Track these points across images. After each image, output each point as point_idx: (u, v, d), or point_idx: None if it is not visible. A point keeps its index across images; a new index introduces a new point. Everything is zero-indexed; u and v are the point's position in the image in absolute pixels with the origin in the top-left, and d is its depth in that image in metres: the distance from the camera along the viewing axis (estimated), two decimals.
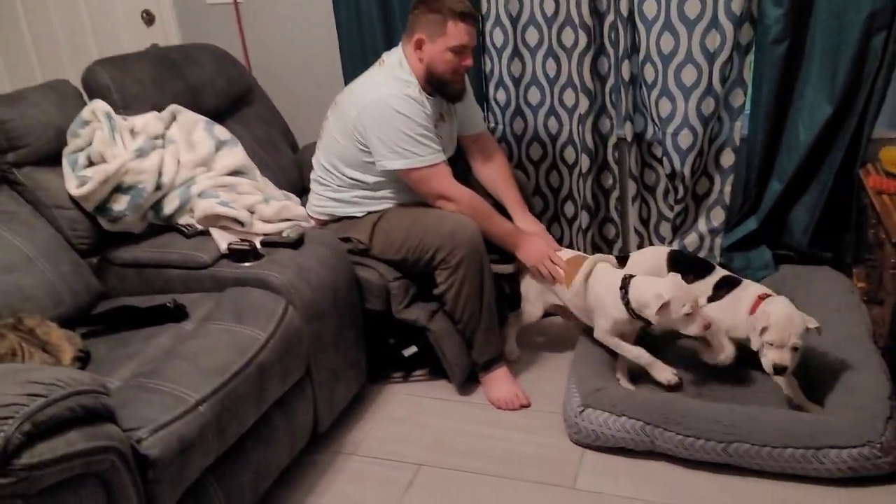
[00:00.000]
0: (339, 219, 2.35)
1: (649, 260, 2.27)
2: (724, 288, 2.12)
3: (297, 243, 2.06)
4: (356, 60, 2.80)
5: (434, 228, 2.18)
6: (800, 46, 2.35)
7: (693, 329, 1.99)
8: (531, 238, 2.31)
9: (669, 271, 2.15)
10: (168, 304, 1.85)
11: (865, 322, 2.17)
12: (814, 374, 2.05)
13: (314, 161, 2.43)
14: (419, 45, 2.19)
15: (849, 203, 2.46)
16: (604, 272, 2.18)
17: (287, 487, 1.98)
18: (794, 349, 1.88)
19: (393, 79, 2.20)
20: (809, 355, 2.10)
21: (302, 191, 2.68)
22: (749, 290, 2.08)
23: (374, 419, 2.25)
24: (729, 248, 2.64)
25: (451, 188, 2.21)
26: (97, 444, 1.31)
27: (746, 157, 2.56)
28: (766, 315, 1.91)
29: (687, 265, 2.20)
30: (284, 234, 2.10)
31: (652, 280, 2.06)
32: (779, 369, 1.89)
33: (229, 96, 2.71)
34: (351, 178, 2.28)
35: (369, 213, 2.31)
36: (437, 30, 2.16)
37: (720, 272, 2.18)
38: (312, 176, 2.43)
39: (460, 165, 2.48)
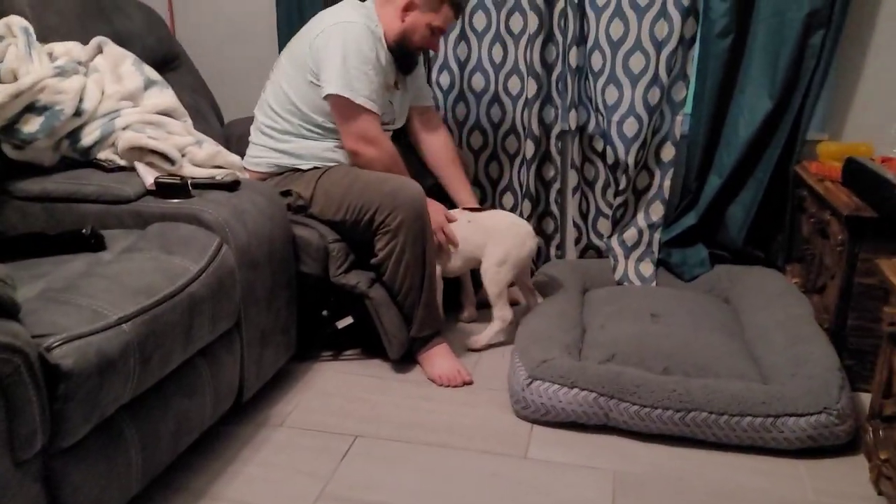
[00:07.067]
0: (282, 172, 2.19)
1: None
2: None
3: (232, 186, 1.87)
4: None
5: (375, 186, 2.05)
6: (742, 42, 2.41)
7: None
8: (433, 203, 2.23)
9: None
10: (84, 231, 1.60)
11: (808, 306, 2.18)
12: (761, 352, 2.02)
13: (257, 112, 2.29)
14: (409, 7, 2.14)
15: (783, 203, 2.51)
16: None
17: (206, 457, 1.75)
18: None
19: (361, 12, 2.14)
20: (757, 333, 2.09)
21: None
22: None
23: (303, 393, 2.05)
24: (667, 244, 2.63)
25: (377, 131, 2.12)
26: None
27: (687, 152, 2.59)
28: None
29: None
30: (218, 179, 1.90)
31: None
32: None
33: (157, 56, 2.49)
34: (300, 121, 2.16)
35: (315, 167, 2.16)
36: (433, 4, 2.15)
37: None
38: (253, 128, 2.28)
39: (403, 141, 2.39)
